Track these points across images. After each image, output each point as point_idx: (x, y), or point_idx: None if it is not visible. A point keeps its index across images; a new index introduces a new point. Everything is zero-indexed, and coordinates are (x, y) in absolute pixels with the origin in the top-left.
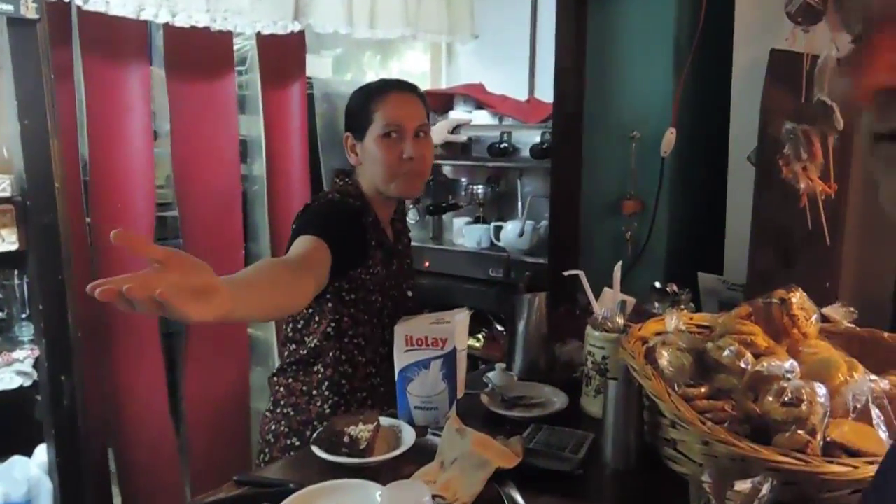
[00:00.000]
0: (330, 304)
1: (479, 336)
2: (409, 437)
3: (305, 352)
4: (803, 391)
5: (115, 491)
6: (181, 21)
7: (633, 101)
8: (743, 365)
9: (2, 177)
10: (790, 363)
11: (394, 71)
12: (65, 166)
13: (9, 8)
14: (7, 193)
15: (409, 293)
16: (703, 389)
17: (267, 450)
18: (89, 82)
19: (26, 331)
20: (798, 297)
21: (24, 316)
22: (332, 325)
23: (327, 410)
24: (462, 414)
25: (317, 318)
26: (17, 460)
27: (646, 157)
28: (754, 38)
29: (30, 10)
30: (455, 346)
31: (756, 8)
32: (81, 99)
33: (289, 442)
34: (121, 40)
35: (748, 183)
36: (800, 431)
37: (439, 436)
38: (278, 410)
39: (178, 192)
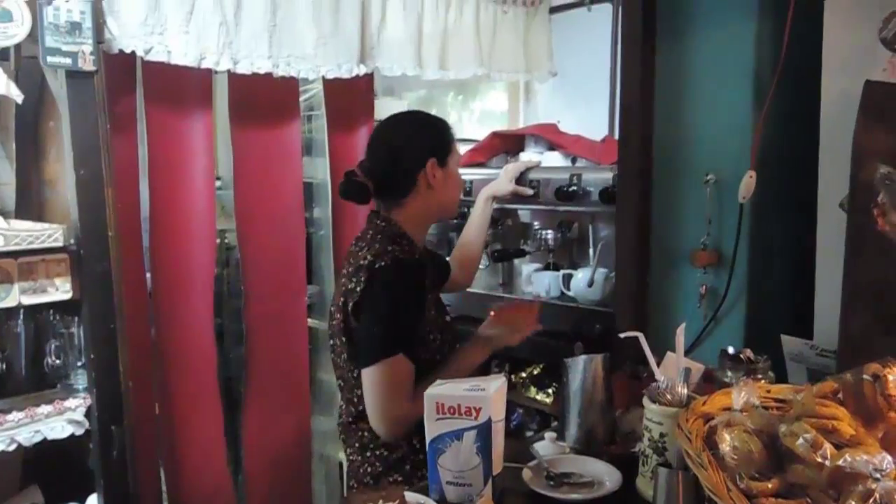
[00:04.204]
0: None
1: (549, 391)
2: None
3: None
4: None
5: None
6: (243, 68)
7: (708, 142)
8: (820, 458)
9: (55, 226)
10: (881, 458)
11: (475, 111)
12: (121, 215)
13: (67, 61)
14: (60, 243)
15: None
16: (770, 484)
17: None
18: (152, 130)
19: (82, 379)
20: None
21: (80, 364)
22: None
23: (417, 445)
24: (500, 491)
25: None
26: None
27: (722, 203)
28: (845, 69)
29: (87, 63)
30: (490, 416)
31: (847, 35)
32: (144, 147)
33: (391, 479)
34: (184, 88)
35: (840, 234)
36: None
37: None
38: (368, 454)
39: (241, 237)
